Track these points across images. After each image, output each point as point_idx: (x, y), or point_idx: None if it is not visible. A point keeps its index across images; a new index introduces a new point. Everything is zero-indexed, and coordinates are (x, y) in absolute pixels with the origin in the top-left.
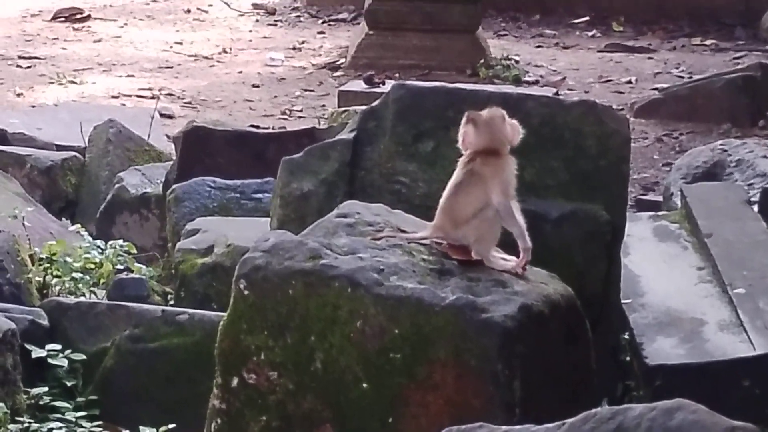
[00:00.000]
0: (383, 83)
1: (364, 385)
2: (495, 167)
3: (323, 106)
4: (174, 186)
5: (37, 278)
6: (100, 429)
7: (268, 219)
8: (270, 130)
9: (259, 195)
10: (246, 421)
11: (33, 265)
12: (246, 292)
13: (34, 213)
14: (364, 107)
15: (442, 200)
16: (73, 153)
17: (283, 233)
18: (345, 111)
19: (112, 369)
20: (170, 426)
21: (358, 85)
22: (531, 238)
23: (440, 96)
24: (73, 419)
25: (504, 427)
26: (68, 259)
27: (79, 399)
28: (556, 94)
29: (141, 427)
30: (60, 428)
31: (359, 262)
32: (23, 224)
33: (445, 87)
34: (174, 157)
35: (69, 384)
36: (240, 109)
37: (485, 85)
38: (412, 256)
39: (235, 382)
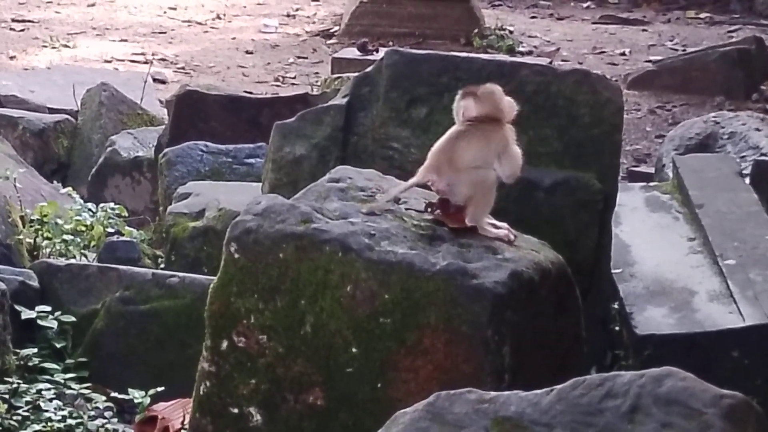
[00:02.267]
0: (377, 50)
1: (354, 349)
2: (500, 133)
3: (317, 73)
4: (166, 150)
5: (27, 240)
6: (89, 390)
7: (260, 184)
8: (263, 96)
9: (252, 160)
10: (235, 384)
11: (24, 226)
12: (237, 255)
13: (26, 175)
14: (358, 73)
15: (438, 144)
16: (66, 116)
17: (275, 197)
18: (338, 78)
19: (102, 331)
20: (159, 388)
21: (352, 53)
22: (523, 205)
23: (434, 63)
24: (62, 381)
25: (492, 393)
26: (59, 221)
27: (69, 361)
28: (550, 64)
29: (130, 390)
30: (49, 389)
31: (351, 226)
32: (14, 186)
33: (439, 54)
34: (166, 121)
35: (58, 345)
36: (233, 75)
37: (479, 54)
38: (404, 221)
39: (224, 344)
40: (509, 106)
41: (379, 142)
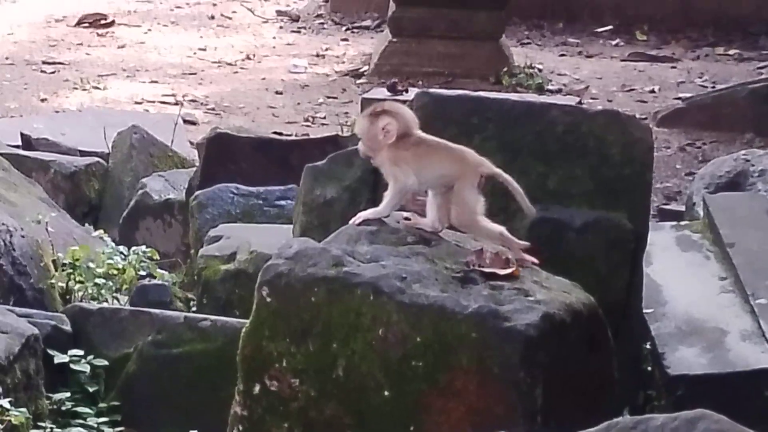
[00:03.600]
0: (406, 91)
1: (386, 392)
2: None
3: (346, 113)
4: (197, 192)
5: (60, 283)
6: None
7: (291, 226)
8: (293, 137)
9: (282, 202)
10: (267, 427)
11: (56, 270)
12: (269, 299)
13: (58, 218)
14: None
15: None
16: (97, 158)
17: (306, 240)
18: None
19: (135, 374)
20: None
21: (381, 93)
22: (554, 245)
23: (464, 104)
24: (95, 425)
25: None
26: (91, 265)
27: (101, 404)
28: (579, 102)
29: None
30: None
31: (382, 269)
32: (47, 229)
33: (469, 95)
34: (197, 164)
35: (91, 389)
36: (263, 116)
37: (508, 93)
38: (435, 264)
39: (257, 388)
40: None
41: None
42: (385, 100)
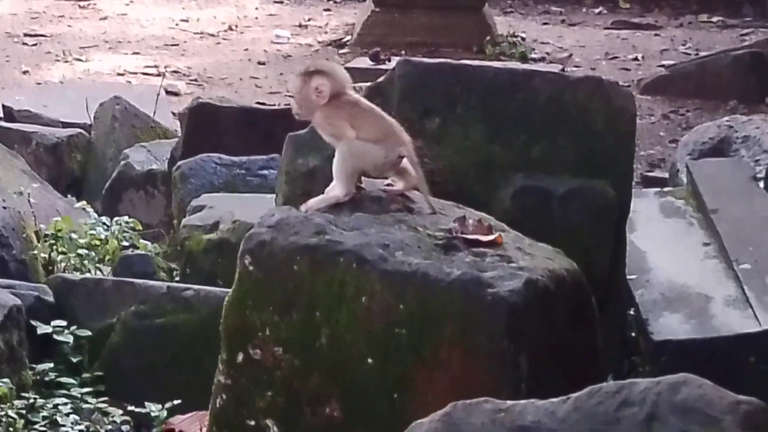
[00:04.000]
0: (389, 60)
1: (370, 361)
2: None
3: None
4: (180, 162)
5: (42, 255)
6: (106, 405)
7: (274, 195)
8: (276, 107)
9: (265, 171)
10: (251, 397)
11: (39, 241)
12: (251, 268)
13: (40, 190)
14: (369, 84)
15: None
16: (79, 130)
17: (289, 209)
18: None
19: (118, 345)
20: (176, 402)
21: (364, 62)
22: (538, 214)
23: (446, 72)
24: (79, 395)
25: (509, 402)
26: (74, 236)
27: (85, 375)
28: (563, 71)
29: (147, 403)
30: (65, 404)
31: (364, 237)
32: (29, 201)
33: (451, 63)
34: (180, 134)
35: (74, 360)
36: (246, 87)
37: (491, 62)
38: (417, 231)
39: (240, 358)
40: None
41: None
42: (367, 69)
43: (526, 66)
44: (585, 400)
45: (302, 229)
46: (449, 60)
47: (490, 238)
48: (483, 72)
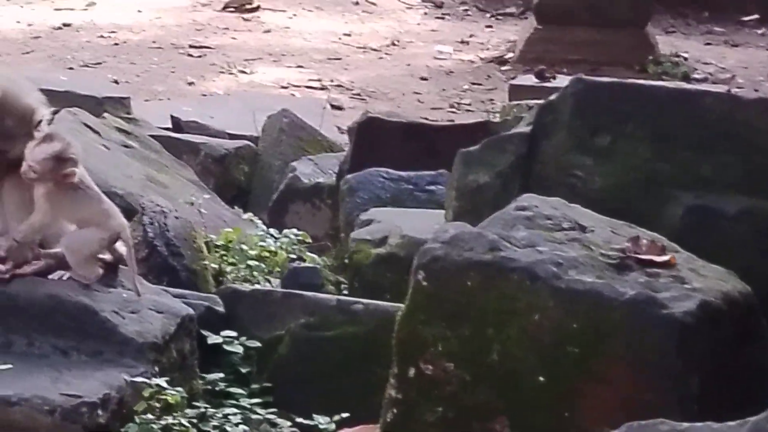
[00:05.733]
0: (554, 78)
1: (540, 378)
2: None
3: (491, 99)
4: (348, 176)
5: (212, 265)
6: (274, 416)
7: (441, 211)
8: (443, 123)
9: (432, 187)
10: (421, 411)
11: (209, 252)
12: (424, 283)
13: (209, 201)
14: (537, 101)
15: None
16: (246, 142)
17: (462, 225)
18: (517, 105)
19: (286, 357)
20: (344, 415)
21: (529, 79)
22: (707, 233)
23: (617, 91)
24: (248, 405)
25: (685, 424)
26: (244, 247)
27: (253, 386)
28: (728, 91)
29: (315, 415)
30: (235, 414)
31: (538, 255)
32: (200, 211)
33: (622, 82)
34: (345, 148)
35: (243, 371)
36: (408, 102)
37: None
38: (590, 250)
39: (411, 372)
40: None
41: (562, 170)
42: (532, 86)
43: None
44: (764, 424)
45: (476, 245)
46: (621, 79)
47: (664, 258)
48: (654, 90)
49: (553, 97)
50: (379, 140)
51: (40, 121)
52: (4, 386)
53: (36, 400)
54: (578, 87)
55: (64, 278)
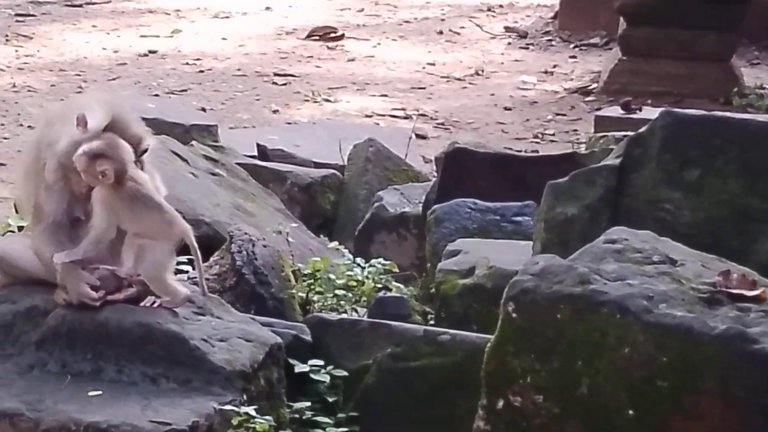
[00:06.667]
0: (640, 110)
1: (630, 412)
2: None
3: (575, 130)
4: (435, 206)
5: (300, 294)
6: None
7: (528, 242)
8: (530, 154)
9: (519, 218)
10: None
11: (296, 281)
12: (514, 315)
13: (295, 229)
14: (625, 133)
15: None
16: (333, 171)
17: (552, 257)
18: (603, 136)
19: (373, 386)
20: None
21: (615, 111)
22: None
23: (707, 124)
24: None
25: None
26: (331, 276)
27: (340, 415)
28: None
29: None
30: None
31: (628, 288)
32: (287, 240)
33: (712, 115)
34: (431, 178)
35: (330, 400)
36: (492, 132)
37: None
38: (681, 284)
39: (500, 404)
40: None
41: (650, 203)
42: (618, 118)
43: None
44: None
45: (566, 278)
46: (710, 112)
47: (755, 293)
48: (744, 124)
49: (642, 129)
50: (466, 170)
51: (144, 150)
52: (94, 412)
53: (125, 427)
54: (667, 120)
55: (155, 305)
